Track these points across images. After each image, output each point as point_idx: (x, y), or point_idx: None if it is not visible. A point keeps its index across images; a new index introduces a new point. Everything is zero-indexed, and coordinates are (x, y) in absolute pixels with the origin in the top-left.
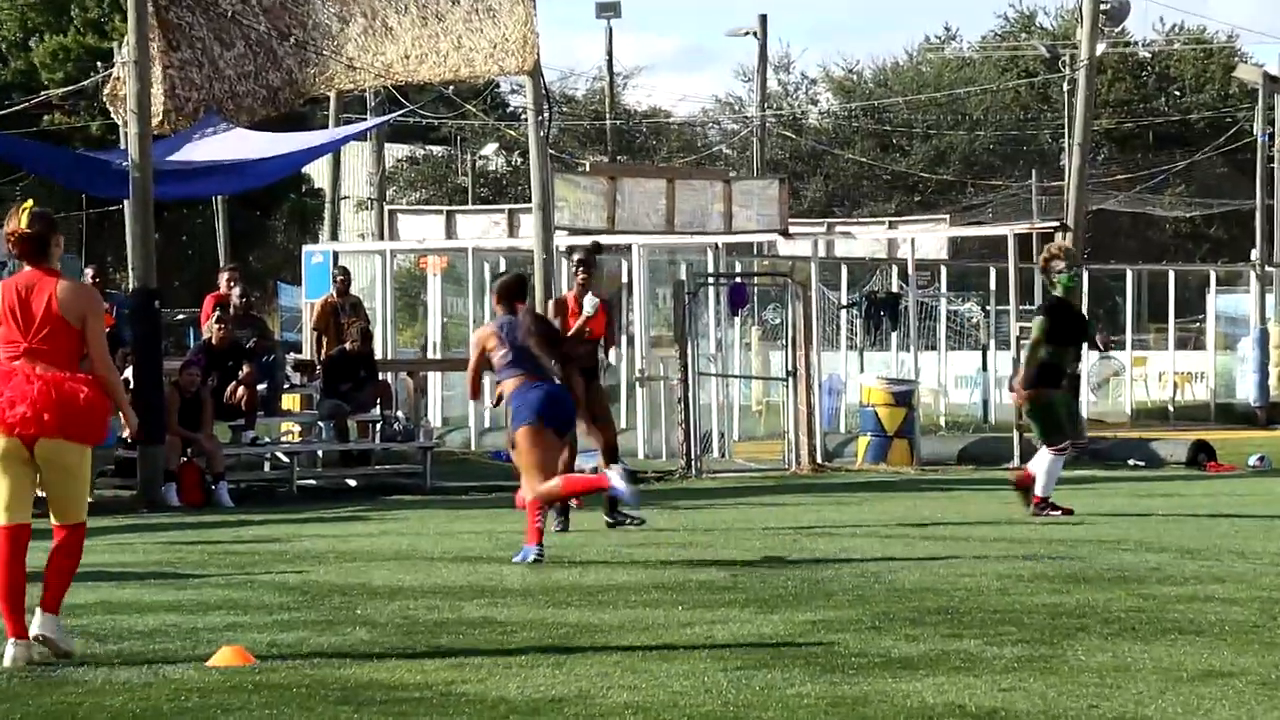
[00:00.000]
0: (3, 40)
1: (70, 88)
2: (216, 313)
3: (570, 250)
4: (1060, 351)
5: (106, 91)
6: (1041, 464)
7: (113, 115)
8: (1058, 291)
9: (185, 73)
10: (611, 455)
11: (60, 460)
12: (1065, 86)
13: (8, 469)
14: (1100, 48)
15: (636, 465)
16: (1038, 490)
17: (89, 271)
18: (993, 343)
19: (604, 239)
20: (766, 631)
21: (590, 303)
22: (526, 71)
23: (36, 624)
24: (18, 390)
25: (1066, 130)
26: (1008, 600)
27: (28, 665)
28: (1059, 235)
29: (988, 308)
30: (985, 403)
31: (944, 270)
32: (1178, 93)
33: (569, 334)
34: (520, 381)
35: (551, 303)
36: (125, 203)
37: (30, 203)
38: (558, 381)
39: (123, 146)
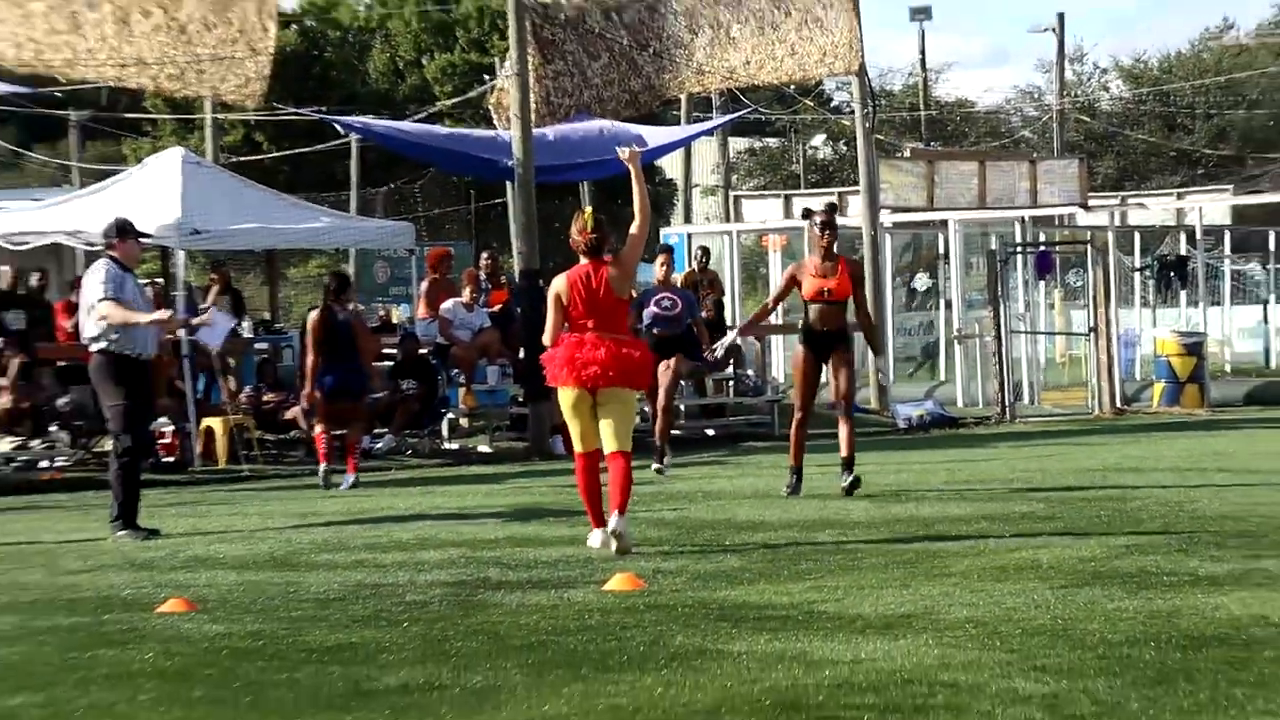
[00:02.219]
0: (400, 59)
1: (458, 99)
2: None
3: (807, 212)
4: None
5: (491, 101)
6: None
7: (495, 122)
8: None
9: (559, 82)
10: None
11: (619, 403)
12: None
13: (579, 413)
14: None
15: (956, 413)
16: None
17: (484, 256)
18: (1272, 297)
19: (923, 215)
20: (1085, 555)
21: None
22: (853, 72)
23: (613, 522)
24: (587, 354)
25: None
26: None
27: (601, 547)
28: None
29: (1268, 266)
30: (1267, 350)
31: (1227, 234)
32: None
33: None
34: None
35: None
36: (510, 195)
37: (589, 210)
38: None
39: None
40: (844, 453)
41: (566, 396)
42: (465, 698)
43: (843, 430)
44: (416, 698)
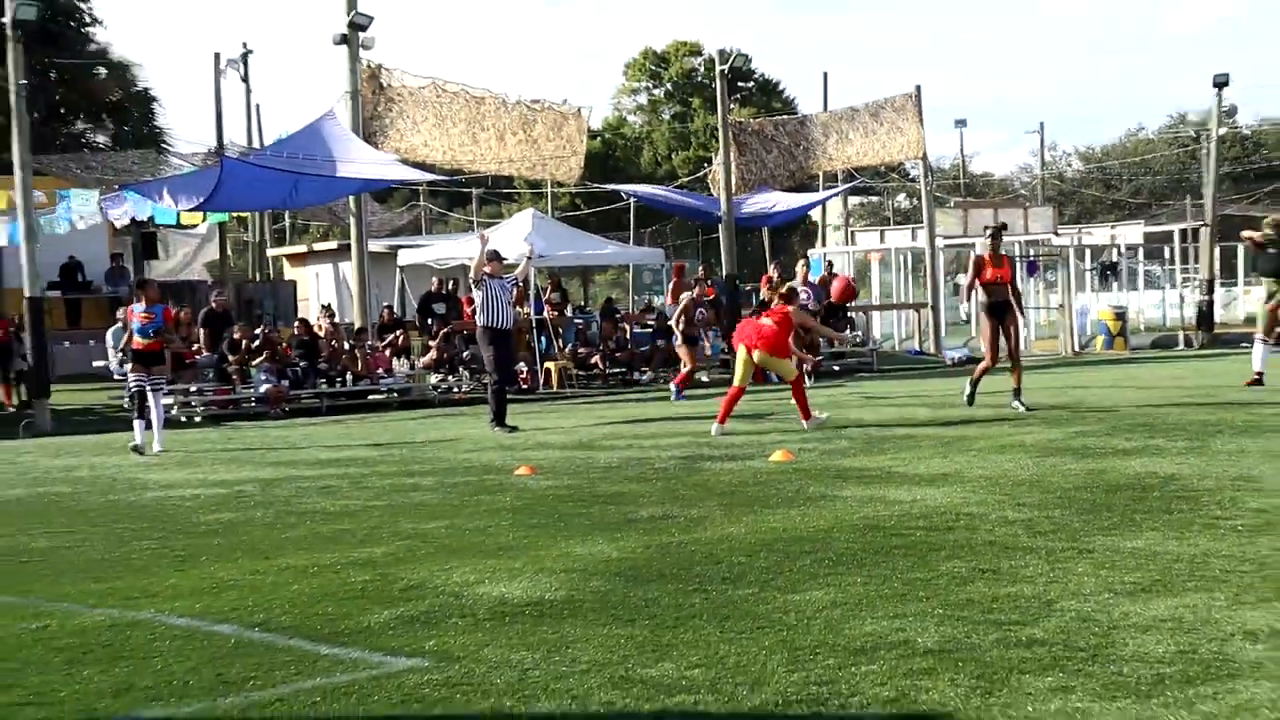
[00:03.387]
0: (658, 154)
1: (692, 177)
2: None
3: (990, 229)
4: None
5: (710, 179)
6: None
7: (712, 190)
8: None
9: (747, 167)
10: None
11: (773, 362)
12: (1204, 151)
13: (745, 363)
14: (1222, 130)
15: (978, 355)
16: None
17: (701, 268)
18: (1168, 286)
19: (960, 240)
20: (1052, 437)
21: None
22: (919, 157)
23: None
24: (752, 327)
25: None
26: (1178, 417)
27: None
28: (1202, 229)
29: (1165, 267)
30: (1164, 317)
31: (1141, 249)
32: (1264, 150)
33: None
34: None
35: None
36: (719, 228)
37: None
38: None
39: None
40: (1014, 384)
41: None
42: (686, 523)
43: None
44: (657, 524)
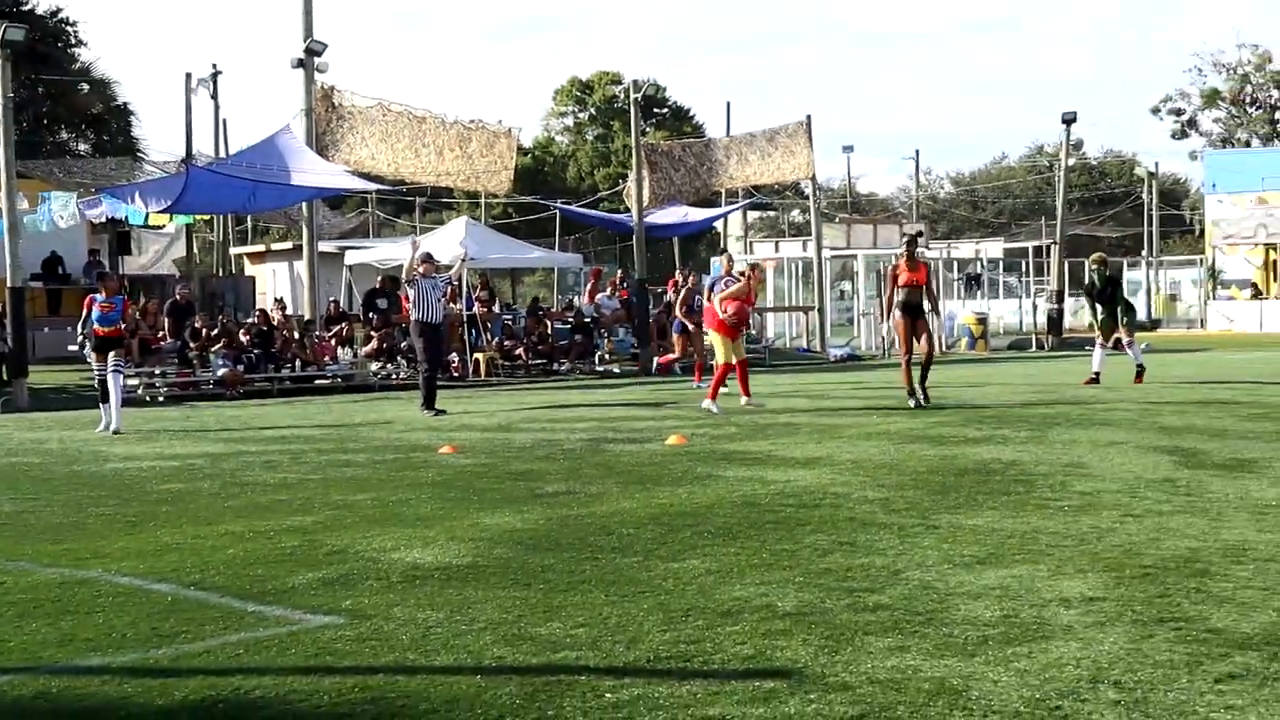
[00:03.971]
0: (582, 170)
1: (611, 192)
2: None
3: (907, 237)
4: None
5: (625, 193)
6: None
7: (626, 202)
8: None
9: (659, 184)
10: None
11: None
12: (1057, 179)
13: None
14: (1071, 160)
15: (860, 353)
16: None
17: (619, 271)
18: (1023, 295)
19: (845, 251)
20: (912, 426)
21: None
22: (809, 177)
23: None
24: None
25: (1057, 198)
26: (1024, 413)
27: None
28: (1052, 247)
29: (1022, 279)
30: (1020, 323)
31: (1001, 263)
32: (1108, 179)
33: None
34: None
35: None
36: (634, 239)
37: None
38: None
39: (628, 217)
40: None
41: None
42: (585, 499)
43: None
44: (560, 499)
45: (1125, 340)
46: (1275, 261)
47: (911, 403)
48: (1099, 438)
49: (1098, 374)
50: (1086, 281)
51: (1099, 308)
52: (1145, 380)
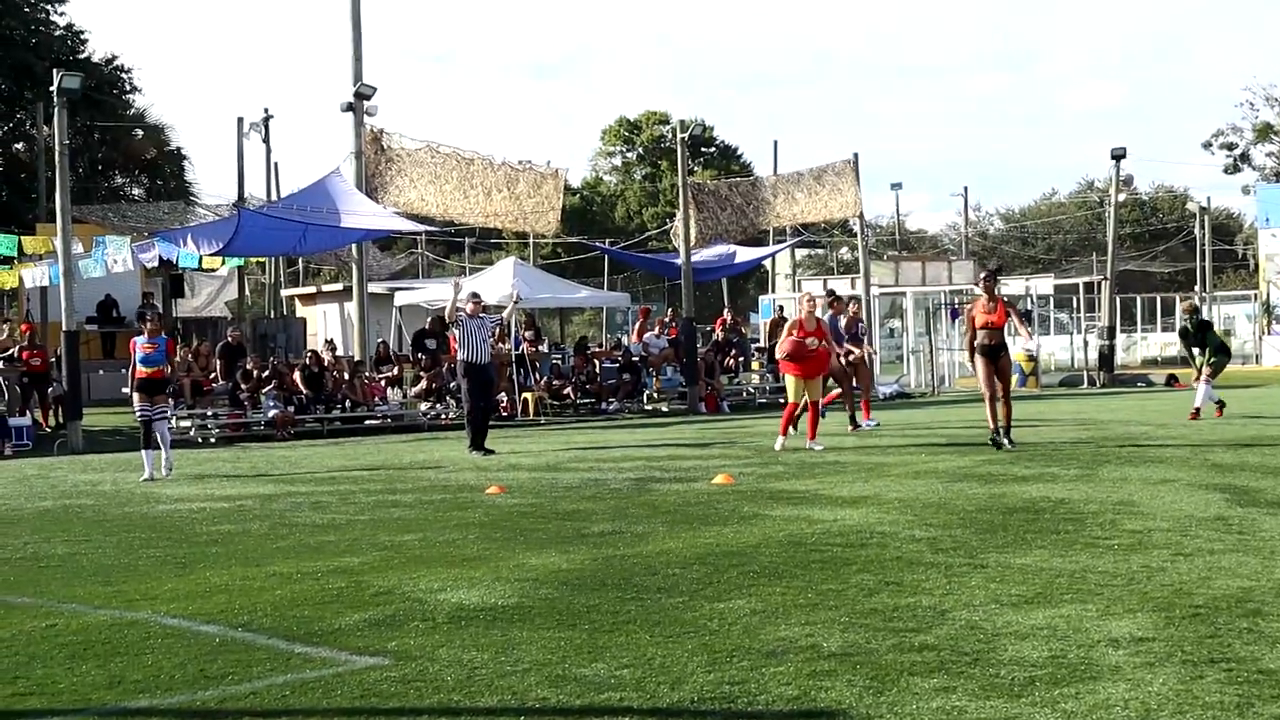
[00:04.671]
0: (630, 210)
1: (659, 230)
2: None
3: (985, 275)
4: None
5: (672, 232)
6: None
7: (673, 241)
8: None
9: (705, 223)
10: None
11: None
12: (1106, 215)
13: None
14: (1121, 195)
15: (911, 390)
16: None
17: (669, 310)
18: (1075, 332)
19: (893, 289)
20: (961, 465)
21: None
22: (858, 215)
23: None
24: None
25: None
26: (1074, 449)
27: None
28: (1101, 283)
29: (1073, 315)
30: (1072, 359)
31: (1051, 299)
32: (1159, 214)
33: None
34: None
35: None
36: (681, 278)
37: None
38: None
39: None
40: (1004, 422)
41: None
42: (630, 539)
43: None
44: (606, 538)
45: (1204, 376)
46: None
47: (997, 444)
48: (1150, 475)
49: (1199, 409)
50: (1179, 327)
51: (1195, 351)
52: (1199, 419)
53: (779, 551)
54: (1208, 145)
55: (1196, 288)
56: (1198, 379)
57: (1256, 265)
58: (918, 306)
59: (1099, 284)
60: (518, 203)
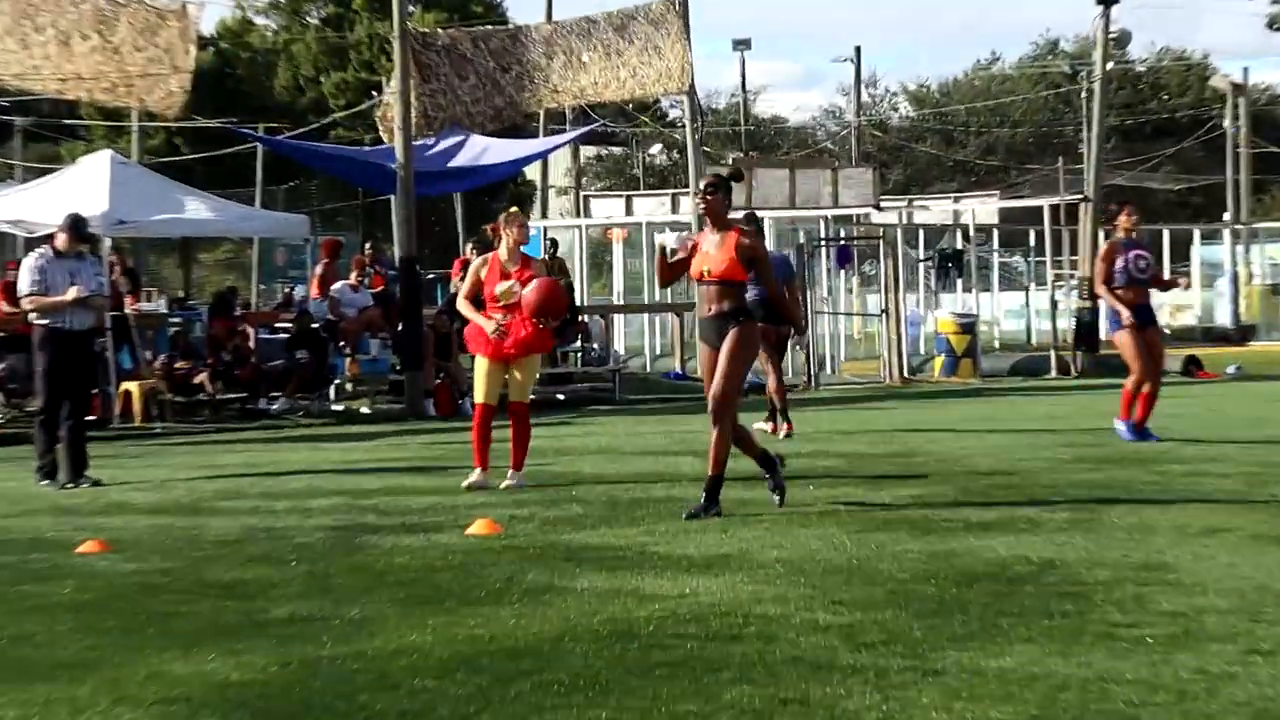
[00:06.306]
0: (300, 76)
1: (351, 111)
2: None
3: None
4: None
5: (378, 114)
6: None
7: (381, 133)
8: None
9: (434, 99)
10: None
11: None
12: (1083, 94)
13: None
14: (1109, 65)
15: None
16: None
17: (368, 246)
18: (1032, 285)
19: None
20: (877, 503)
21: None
22: (684, 92)
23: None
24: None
25: (1085, 126)
26: (1055, 477)
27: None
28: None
29: (1028, 259)
30: (1028, 329)
31: (995, 232)
32: (1166, 96)
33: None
34: None
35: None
36: (393, 195)
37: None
38: None
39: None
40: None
41: None
42: (343, 628)
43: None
44: (301, 628)
45: None
46: None
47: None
48: (1188, 520)
49: None
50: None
51: None
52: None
53: (597, 649)
54: None
55: (1226, 214)
56: None
57: None
58: (782, 243)
59: (1073, 207)
60: (115, 59)
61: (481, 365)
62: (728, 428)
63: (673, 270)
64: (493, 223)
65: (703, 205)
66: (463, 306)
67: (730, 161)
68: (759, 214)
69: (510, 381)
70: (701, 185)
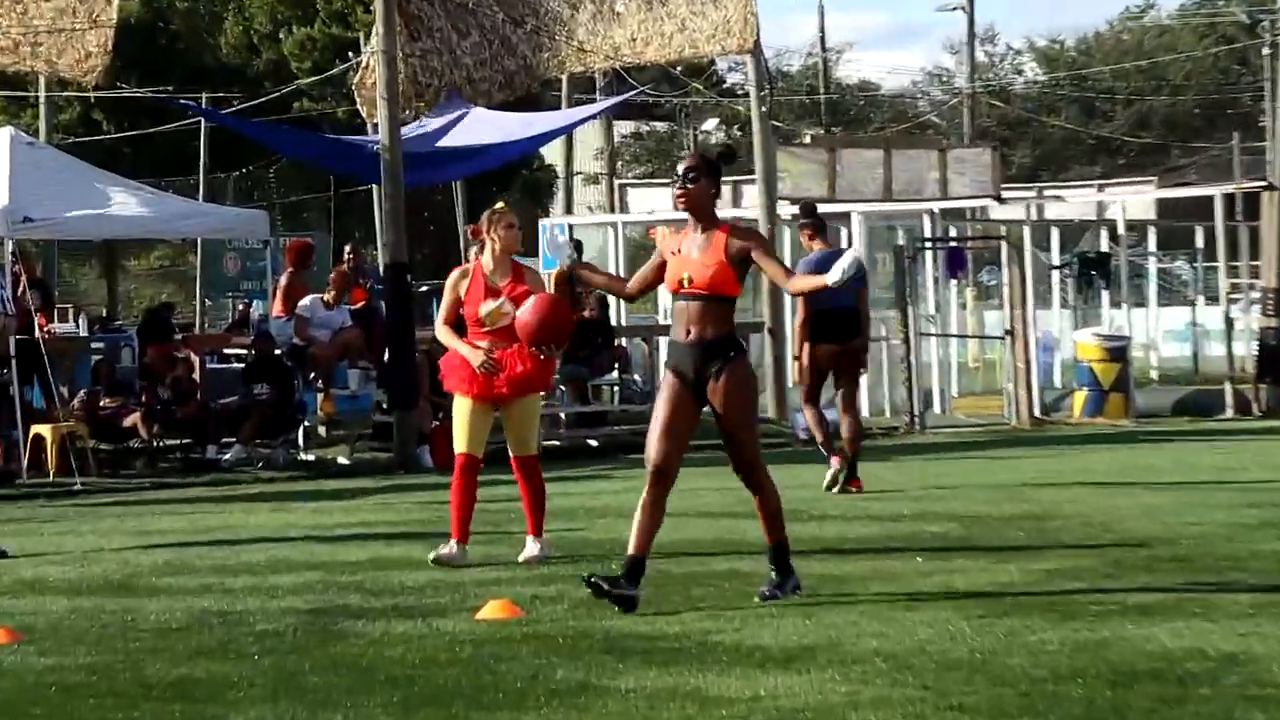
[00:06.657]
0: (254, 32)
1: (318, 77)
2: None
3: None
4: None
5: (355, 80)
6: None
7: (358, 104)
8: None
9: (426, 60)
10: None
11: None
12: (1265, 51)
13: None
14: None
15: (862, 422)
16: None
17: (348, 250)
18: (1201, 298)
19: (824, 207)
20: (1003, 580)
21: None
22: (748, 50)
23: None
24: None
25: (1268, 92)
26: (1235, 547)
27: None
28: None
29: (1195, 265)
30: (1195, 356)
31: (1152, 230)
32: None
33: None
34: None
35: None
36: (376, 184)
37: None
38: None
39: (370, 132)
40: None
41: None
42: None
43: None
44: None
45: None
46: None
47: None
48: None
49: None
50: None
51: None
52: None
53: None
54: None
55: None
56: None
57: None
58: (875, 243)
59: (1253, 199)
60: (16, 9)
61: (463, 406)
62: (770, 483)
63: (646, 279)
64: (473, 224)
65: (681, 196)
66: (441, 333)
67: (806, 140)
68: (843, 208)
69: (507, 432)
70: (680, 170)
